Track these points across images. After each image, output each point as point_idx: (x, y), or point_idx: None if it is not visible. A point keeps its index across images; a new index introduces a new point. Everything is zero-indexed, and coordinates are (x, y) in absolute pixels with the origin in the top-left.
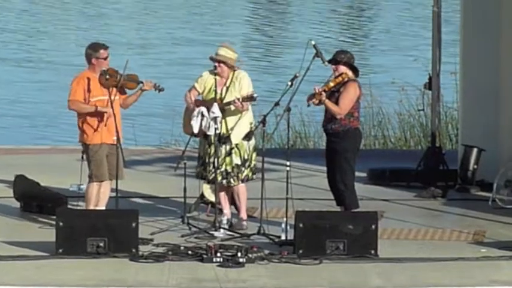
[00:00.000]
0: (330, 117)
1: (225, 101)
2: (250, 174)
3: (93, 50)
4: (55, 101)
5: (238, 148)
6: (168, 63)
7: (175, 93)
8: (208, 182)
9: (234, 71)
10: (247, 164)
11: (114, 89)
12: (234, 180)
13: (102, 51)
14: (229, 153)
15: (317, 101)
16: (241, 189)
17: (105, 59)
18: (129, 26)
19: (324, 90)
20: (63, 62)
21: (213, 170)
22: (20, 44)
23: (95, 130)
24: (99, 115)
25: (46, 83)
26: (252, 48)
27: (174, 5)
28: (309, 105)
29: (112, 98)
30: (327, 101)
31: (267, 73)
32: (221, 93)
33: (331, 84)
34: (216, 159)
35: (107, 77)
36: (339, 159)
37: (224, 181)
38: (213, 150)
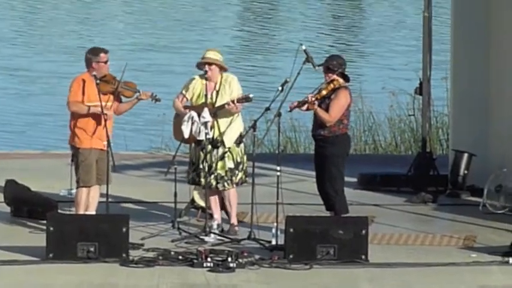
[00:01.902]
0: (319, 124)
1: (217, 105)
2: (243, 177)
3: (93, 54)
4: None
5: (230, 152)
6: (147, 69)
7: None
8: (203, 187)
9: (222, 74)
10: (240, 166)
11: (110, 96)
12: (227, 184)
13: (102, 54)
14: (222, 157)
15: (305, 108)
16: (232, 194)
17: (105, 62)
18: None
19: (316, 99)
20: (30, 69)
21: (206, 175)
22: None
23: (87, 135)
24: (93, 120)
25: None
26: (242, 53)
27: (158, 11)
28: (290, 111)
29: (107, 103)
30: (318, 109)
31: (256, 78)
32: (212, 98)
33: (324, 92)
34: (207, 164)
35: (97, 81)
36: (328, 164)
37: (219, 185)
38: (205, 155)
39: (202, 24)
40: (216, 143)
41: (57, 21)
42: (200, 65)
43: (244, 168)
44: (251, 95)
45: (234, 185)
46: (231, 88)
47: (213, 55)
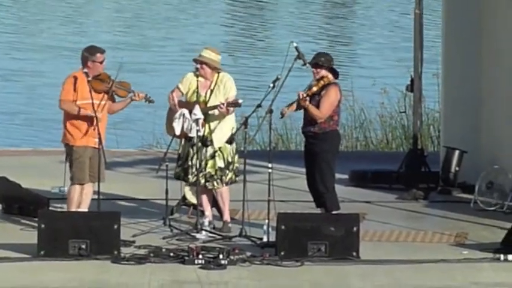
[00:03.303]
0: (309, 120)
1: (209, 105)
2: (233, 177)
3: (90, 53)
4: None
5: (221, 151)
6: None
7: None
8: (190, 184)
9: (218, 73)
10: (231, 166)
11: (104, 95)
12: (217, 183)
13: (98, 55)
14: (212, 156)
15: (295, 107)
16: (224, 192)
17: (101, 62)
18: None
19: (308, 95)
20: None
21: (195, 173)
22: None
23: (81, 133)
24: (87, 118)
25: None
26: (233, 50)
27: (141, 9)
28: (282, 117)
29: (101, 102)
30: (310, 105)
31: (248, 75)
32: (205, 97)
33: (315, 89)
34: (198, 162)
35: (89, 79)
36: (319, 161)
37: (208, 184)
38: (194, 152)
39: (192, 21)
40: (206, 141)
41: (31, 19)
42: (194, 62)
43: (234, 168)
44: (240, 101)
45: (224, 185)
46: (225, 89)
47: (207, 54)
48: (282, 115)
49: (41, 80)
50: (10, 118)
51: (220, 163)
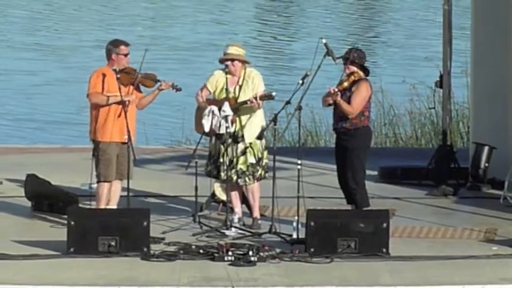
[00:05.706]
0: (341, 116)
1: (239, 100)
2: (263, 173)
3: (114, 45)
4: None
5: (252, 147)
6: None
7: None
8: (223, 181)
9: (245, 68)
10: (261, 162)
11: (131, 87)
12: (249, 179)
13: (122, 47)
14: (243, 153)
15: (331, 101)
16: (255, 188)
17: (126, 55)
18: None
19: (339, 90)
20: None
21: (226, 169)
22: None
23: (107, 128)
24: (113, 113)
25: None
26: (262, 45)
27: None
28: (327, 105)
29: (128, 95)
30: (341, 101)
31: (277, 71)
32: (234, 92)
33: (346, 84)
34: (230, 159)
35: (118, 76)
36: (350, 157)
37: (240, 180)
38: (225, 150)
39: (220, 19)
40: (237, 137)
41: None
42: (223, 61)
43: (263, 164)
44: (274, 93)
45: (255, 181)
46: (254, 83)
47: (235, 50)
48: (328, 104)
49: (58, 80)
50: (31, 118)
51: (251, 159)
